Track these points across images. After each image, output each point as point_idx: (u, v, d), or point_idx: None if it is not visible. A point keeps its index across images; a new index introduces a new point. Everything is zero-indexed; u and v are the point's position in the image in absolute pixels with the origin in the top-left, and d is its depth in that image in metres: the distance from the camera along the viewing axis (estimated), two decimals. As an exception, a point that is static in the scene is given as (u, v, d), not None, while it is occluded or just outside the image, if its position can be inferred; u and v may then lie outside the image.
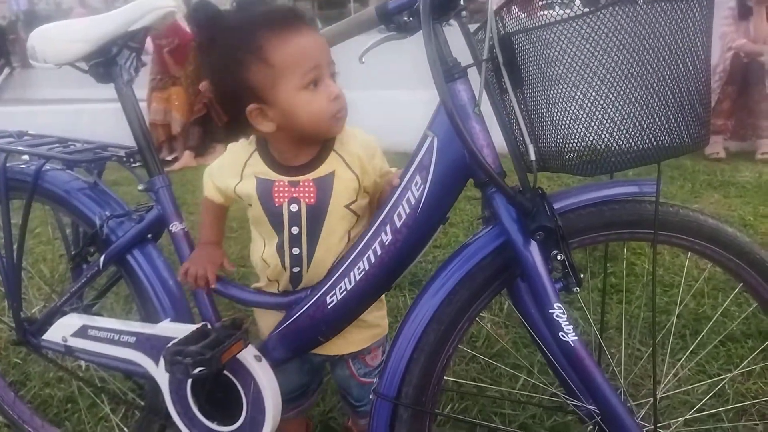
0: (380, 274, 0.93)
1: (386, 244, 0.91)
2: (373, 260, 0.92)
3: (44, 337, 1.23)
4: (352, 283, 0.94)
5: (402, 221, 0.89)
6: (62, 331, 1.20)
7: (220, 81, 0.89)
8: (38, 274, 1.91)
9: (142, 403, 1.31)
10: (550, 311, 0.80)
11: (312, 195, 0.94)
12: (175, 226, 1.08)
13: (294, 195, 0.94)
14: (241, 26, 0.87)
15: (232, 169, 0.98)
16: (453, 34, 0.86)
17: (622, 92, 0.72)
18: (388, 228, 0.90)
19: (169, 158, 4.23)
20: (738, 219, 2.47)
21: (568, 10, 0.72)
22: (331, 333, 1.03)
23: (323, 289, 0.97)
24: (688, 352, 1.42)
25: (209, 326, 1.03)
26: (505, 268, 0.86)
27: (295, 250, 0.98)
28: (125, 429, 1.37)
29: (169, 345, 0.98)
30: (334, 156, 0.95)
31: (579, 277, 0.80)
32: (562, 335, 0.80)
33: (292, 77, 0.86)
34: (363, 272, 0.93)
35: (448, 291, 0.88)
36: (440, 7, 0.79)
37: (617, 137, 0.74)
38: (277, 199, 0.94)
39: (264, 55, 0.84)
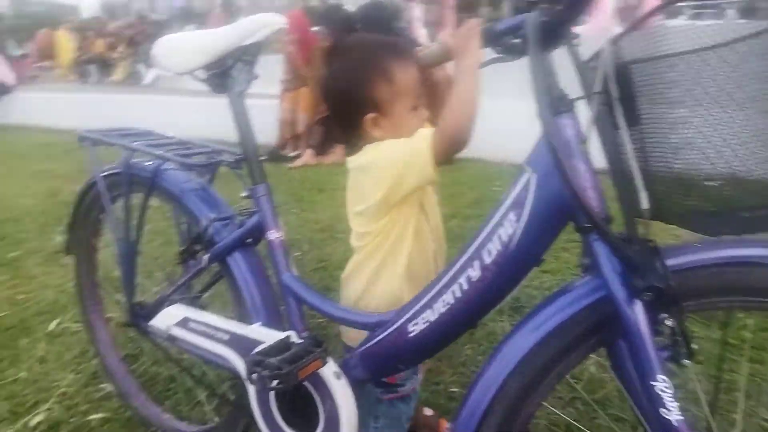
0: (465, 310, 0.88)
1: (473, 280, 0.86)
2: (458, 295, 0.87)
3: (151, 323, 1.32)
4: (436, 316, 0.90)
5: (492, 259, 0.83)
6: (167, 320, 1.28)
7: (346, 89, 1.01)
8: (155, 262, 2.04)
9: (233, 398, 1.37)
10: (652, 383, 0.70)
11: None
12: (272, 234, 1.11)
13: None
14: (372, 47, 1.02)
15: None
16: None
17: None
18: (476, 263, 0.85)
19: (292, 155, 4.42)
20: None
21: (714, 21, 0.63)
22: (410, 362, 1.00)
23: (407, 317, 0.94)
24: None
25: (293, 338, 1.04)
26: (604, 324, 0.77)
27: None
28: (216, 419, 1.43)
29: (253, 353, 1.01)
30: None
31: (690, 348, 0.70)
32: (664, 412, 0.70)
33: (407, 98, 1.00)
34: (447, 306, 0.89)
35: (537, 341, 0.80)
36: (550, 35, 0.73)
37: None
38: None
39: (390, 76, 0.98)
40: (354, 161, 1.02)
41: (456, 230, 2.73)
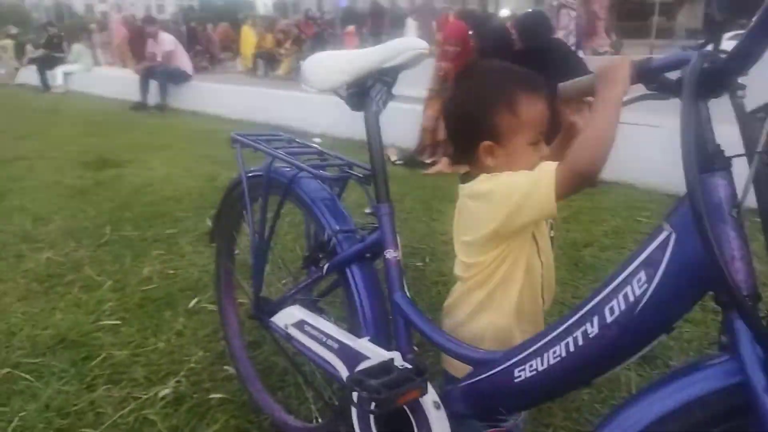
0: (577, 366, 0.83)
1: (590, 336, 0.80)
2: (572, 349, 0.82)
3: (272, 319, 1.40)
4: (544, 366, 0.85)
5: (613, 317, 0.77)
6: (286, 318, 1.35)
7: (467, 111, 1.00)
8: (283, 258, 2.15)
9: (336, 404, 1.41)
10: (787, 493, 0.60)
11: None
12: (390, 253, 1.12)
13: None
14: (503, 75, 1.00)
15: None
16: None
17: None
18: (595, 320, 0.79)
19: (428, 161, 4.46)
20: None
21: None
22: (513, 407, 0.96)
23: (514, 360, 0.90)
24: None
25: (396, 361, 1.04)
26: (738, 412, 0.68)
27: None
28: (319, 419, 1.49)
29: (355, 371, 1.03)
30: None
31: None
32: None
33: (528, 132, 0.97)
34: (558, 358, 0.84)
35: (660, 415, 0.71)
36: (710, 83, 0.65)
37: None
38: None
39: (514, 107, 0.96)
40: (467, 188, 1.00)
41: (589, 260, 2.57)
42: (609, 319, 0.77)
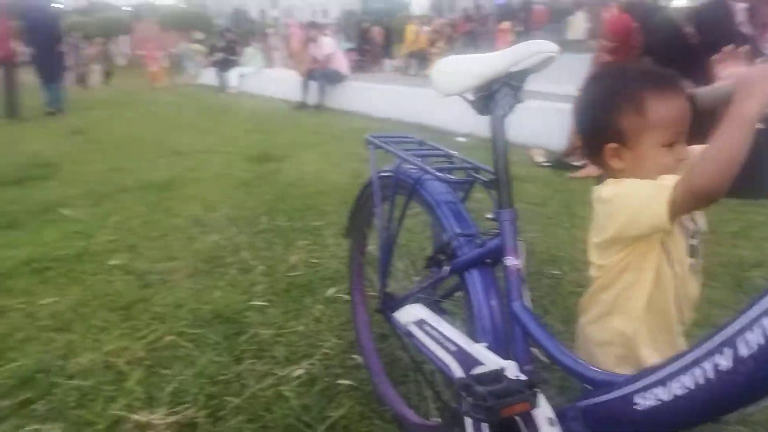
0: (705, 401, 0.75)
1: (721, 370, 0.72)
2: (700, 381, 0.74)
3: (395, 314, 1.44)
4: (669, 397, 0.79)
5: (750, 352, 0.68)
6: (407, 316, 1.38)
7: (592, 113, 1.00)
8: (412, 256, 2.18)
9: (453, 406, 1.41)
10: None
11: None
12: (509, 261, 1.10)
13: None
14: (630, 75, 0.98)
15: None
16: None
17: None
18: (728, 352, 0.71)
19: (578, 164, 4.23)
20: None
21: None
22: (632, 436, 0.89)
23: (636, 387, 0.84)
24: None
25: (509, 371, 1.02)
26: None
27: None
28: (438, 420, 1.50)
29: (469, 374, 1.03)
30: None
31: None
32: None
33: (659, 133, 0.93)
34: (685, 390, 0.76)
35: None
36: None
37: None
38: None
39: (641, 108, 0.93)
40: (596, 192, 1.00)
41: (757, 282, 2.27)
42: (744, 352, 0.69)
